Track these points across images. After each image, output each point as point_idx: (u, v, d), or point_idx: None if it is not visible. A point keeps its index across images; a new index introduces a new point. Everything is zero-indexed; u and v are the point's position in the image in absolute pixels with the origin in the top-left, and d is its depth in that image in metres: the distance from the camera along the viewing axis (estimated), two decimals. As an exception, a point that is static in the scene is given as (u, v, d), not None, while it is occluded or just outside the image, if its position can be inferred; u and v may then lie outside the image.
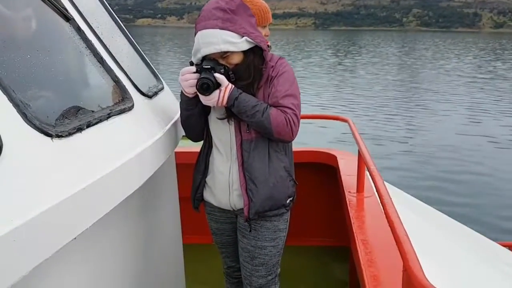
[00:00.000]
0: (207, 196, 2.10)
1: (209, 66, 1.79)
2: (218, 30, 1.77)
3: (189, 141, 2.23)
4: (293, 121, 1.86)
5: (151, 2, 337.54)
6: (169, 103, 2.20)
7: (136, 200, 1.81)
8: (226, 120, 1.93)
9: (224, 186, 1.99)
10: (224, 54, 1.82)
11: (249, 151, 1.90)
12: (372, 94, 18.73)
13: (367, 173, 2.24)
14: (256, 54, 1.87)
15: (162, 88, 2.24)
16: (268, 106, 1.85)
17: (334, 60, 37.34)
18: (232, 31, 1.79)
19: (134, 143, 1.51)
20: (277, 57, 1.98)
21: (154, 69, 2.35)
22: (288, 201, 2.03)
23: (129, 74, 1.81)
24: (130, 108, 1.62)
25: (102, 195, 1.22)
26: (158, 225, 2.18)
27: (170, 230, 2.44)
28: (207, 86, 1.77)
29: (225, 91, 1.80)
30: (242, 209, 1.95)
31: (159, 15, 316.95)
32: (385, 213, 1.38)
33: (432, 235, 2.64)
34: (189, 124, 2.03)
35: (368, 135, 11.56)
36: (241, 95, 1.82)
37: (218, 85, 1.80)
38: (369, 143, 10.75)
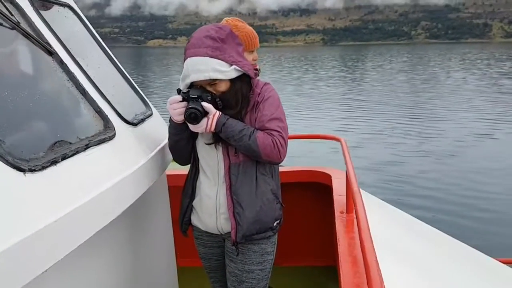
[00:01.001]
0: (195, 220, 2.11)
1: (195, 95, 1.84)
2: (207, 58, 1.81)
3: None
4: (280, 143, 1.89)
5: (162, 23, 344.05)
6: (157, 129, 2.24)
7: (127, 224, 1.84)
8: (213, 145, 1.96)
9: (211, 209, 2.00)
10: (212, 82, 1.86)
11: (237, 175, 1.92)
12: (381, 110, 18.64)
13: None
14: (243, 81, 1.92)
15: (151, 115, 2.28)
16: (255, 130, 1.88)
17: (342, 75, 37.41)
18: (221, 60, 1.83)
19: (113, 172, 1.54)
20: (263, 82, 2.03)
21: (143, 95, 2.40)
22: (275, 224, 2.03)
23: (113, 104, 1.86)
24: (111, 137, 1.66)
25: (74, 226, 1.24)
26: (151, 248, 2.21)
27: (164, 253, 2.45)
28: (194, 115, 1.81)
29: (212, 118, 1.85)
30: (230, 232, 1.96)
31: (170, 36, 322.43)
32: (360, 240, 1.38)
33: (417, 251, 2.62)
34: (177, 149, 2.07)
35: (374, 152, 11.50)
36: (228, 121, 1.86)
37: (205, 114, 1.85)
38: (371, 161, 10.71)
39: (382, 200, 3.53)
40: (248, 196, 1.92)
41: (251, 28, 2.45)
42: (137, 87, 2.38)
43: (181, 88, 1.91)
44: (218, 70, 1.82)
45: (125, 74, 2.33)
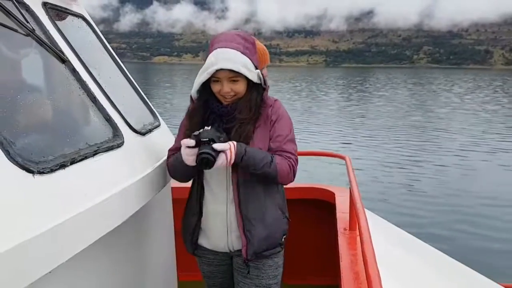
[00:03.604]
0: (202, 240, 2.05)
1: (207, 139, 1.75)
2: (240, 53, 1.83)
3: None
4: (294, 167, 1.91)
5: (169, 40, 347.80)
6: (164, 140, 2.26)
7: (130, 232, 1.83)
8: None
9: (222, 228, 1.96)
10: (234, 77, 1.83)
11: (245, 191, 1.90)
12: (381, 132, 18.69)
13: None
14: (259, 92, 1.93)
15: (158, 125, 2.30)
16: (273, 156, 1.86)
17: (343, 97, 37.66)
18: (250, 60, 1.86)
19: (119, 179, 1.55)
20: (273, 98, 2.03)
21: (151, 106, 2.42)
22: (283, 239, 2.02)
23: (122, 112, 1.88)
24: (120, 145, 1.67)
25: (79, 230, 1.25)
26: (152, 260, 2.19)
27: (164, 266, 2.43)
28: (207, 160, 1.73)
29: (230, 153, 1.77)
30: (239, 250, 1.94)
31: (175, 53, 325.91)
32: (362, 253, 1.38)
33: (418, 271, 2.60)
34: (181, 172, 1.97)
35: (374, 172, 11.48)
36: (248, 151, 1.80)
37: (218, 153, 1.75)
38: (371, 177, 10.70)
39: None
40: (258, 213, 1.91)
41: (262, 45, 2.49)
42: (146, 98, 2.40)
43: (198, 82, 1.86)
44: (247, 67, 1.83)
45: (135, 86, 2.36)
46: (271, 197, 1.96)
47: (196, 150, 1.75)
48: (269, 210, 1.94)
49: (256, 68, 1.87)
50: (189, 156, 1.78)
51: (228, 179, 1.93)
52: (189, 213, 2.05)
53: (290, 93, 40.44)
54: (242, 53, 1.83)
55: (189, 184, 2.09)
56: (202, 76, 1.84)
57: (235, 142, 1.80)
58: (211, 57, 1.82)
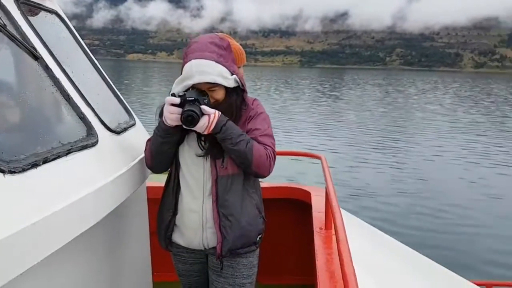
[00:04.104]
0: (176, 237, 2.04)
1: (192, 98, 1.80)
2: (214, 63, 1.83)
3: (162, 175, 2.22)
4: (272, 157, 1.91)
5: (143, 38, 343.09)
6: (140, 139, 2.23)
7: (104, 233, 1.81)
8: (203, 157, 1.92)
9: (197, 224, 1.95)
10: (212, 87, 1.85)
11: (224, 188, 1.90)
12: (355, 133, 18.99)
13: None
14: (238, 94, 1.93)
15: (134, 124, 2.27)
16: (251, 139, 1.88)
17: (317, 97, 38.07)
18: (225, 67, 1.86)
19: (93, 179, 1.53)
20: (252, 98, 2.05)
21: (127, 105, 2.39)
22: (258, 238, 2.03)
23: (96, 111, 1.85)
24: (94, 144, 1.64)
25: (52, 231, 1.22)
26: (126, 261, 2.16)
27: (139, 267, 2.41)
28: (191, 118, 1.77)
29: (214, 117, 1.81)
30: (214, 247, 1.93)
31: (150, 51, 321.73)
32: (338, 252, 1.40)
33: (393, 269, 2.66)
34: (159, 153, 1.97)
35: (347, 171, 11.66)
36: (229, 122, 1.85)
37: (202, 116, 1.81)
38: (345, 177, 10.87)
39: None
40: (235, 210, 1.91)
41: (238, 44, 2.49)
42: (121, 96, 2.37)
43: (175, 92, 1.86)
44: (223, 75, 1.84)
45: (109, 83, 2.32)
46: (249, 195, 1.97)
47: (180, 109, 1.79)
48: (246, 208, 1.94)
49: (232, 74, 1.88)
50: (172, 113, 1.80)
51: (205, 174, 1.93)
52: (163, 209, 2.04)
53: (265, 92, 40.59)
54: (216, 62, 1.83)
55: (163, 183, 2.08)
56: (179, 87, 1.86)
57: (220, 112, 1.84)
58: (187, 69, 1.83)
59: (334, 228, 1.67)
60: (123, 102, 2.38)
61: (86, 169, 1.54)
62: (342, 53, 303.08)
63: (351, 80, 76.47)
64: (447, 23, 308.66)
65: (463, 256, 6.81)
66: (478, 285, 3.12)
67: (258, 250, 2.06)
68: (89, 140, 1.63)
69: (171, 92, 1.89)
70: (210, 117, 1.80)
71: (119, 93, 2.39)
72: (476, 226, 8.20)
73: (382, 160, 13.39)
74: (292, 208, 3.39)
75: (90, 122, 1.72)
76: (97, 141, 1.68)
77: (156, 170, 2.07)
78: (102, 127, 1.83)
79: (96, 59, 2.33)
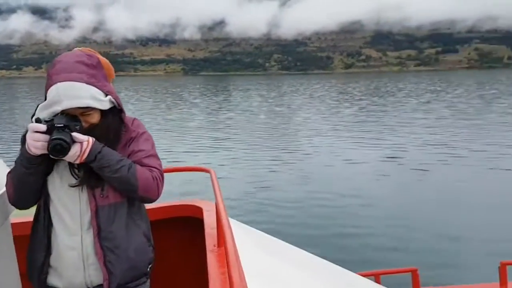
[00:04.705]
0: (52, 279, 1.80)
1: (62, 124, 1.59)
2: (85, 84, 1.64)
3: (29, 210, 1.94)
4: (160, 179, 1.79)
5: (6, 53, 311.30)
6: (-2, 172, 1.92)
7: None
8: (78, 187, 1.72)
9: (77, 263, 1.74)
10: (85, 112, 1.67)
11: (106, 218, 1.73)
12: (241, 141, 19.38)
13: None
14: (115, 115, 1.77)
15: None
16: (133, 163, 1.74)
17: (205, 105, 38.25)
18: (97, 88, 1.68)
19: None
20: (131, 118, 1.90)
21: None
22: (148, 269, 1.89)
23: None
24: None
25: None
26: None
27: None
28: (60, 147, 1.57)
29: (87, 145, 1.63)
30: (100, 285, 1.75)
31: (15, 66, 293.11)
32: (228, 272, 1.33)
33: (288, 277, 2.70)
34: (24, 186, 1.72)
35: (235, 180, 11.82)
36: (104, 149, 1.67)
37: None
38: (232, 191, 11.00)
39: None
40: (121, 242, 1.75)
41: (105, 59, 2.32)
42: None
43: (41, 118, 1.63)
44: (96, 98, 1.66)
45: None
46: (135, 223, 1.82)
47: (46, 136, 1.58)
48: (133, 238, 1.79)
49: (107, 95, 1.71)
50: (37, 141, 1.58)
51: (82, 206, 1.73)
52: (34, 248, 1.80)
53: (149, 103, 39.48)
54: (87, 83, 1.65)
55: (32, 216, 1.82)
56: (44, 113, 1.64)
57: (94, 139, 1.66)
58: (53, 92, 1.61)
59: (224, 247, 1.59)
60: None
61: None
62: (224, 60, 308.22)
63: (236, 86, 78.34)
64: (317, 28, 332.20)
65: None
66: (367, 275, 3.32)
67: (148, 281, 1.92)
68: None
69: (35, 117, 1.65)
70: (82, 145, 1.62)
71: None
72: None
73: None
74: (184, 226, 3.21)
75: None
76: None
77: (21, 205, 1.81)
78: None
79: None
